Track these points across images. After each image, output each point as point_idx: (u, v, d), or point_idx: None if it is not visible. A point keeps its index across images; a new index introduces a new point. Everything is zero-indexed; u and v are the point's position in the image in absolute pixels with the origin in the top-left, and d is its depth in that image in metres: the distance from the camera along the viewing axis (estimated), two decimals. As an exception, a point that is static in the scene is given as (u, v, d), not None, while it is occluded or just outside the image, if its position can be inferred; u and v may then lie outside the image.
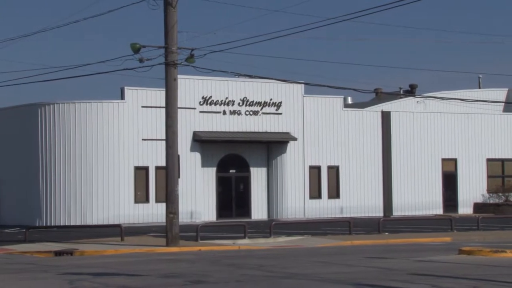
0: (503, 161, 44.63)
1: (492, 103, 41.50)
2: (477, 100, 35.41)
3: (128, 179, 36.82)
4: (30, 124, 37.09)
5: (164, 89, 23.56)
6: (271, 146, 39.88)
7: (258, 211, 39.55)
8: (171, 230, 23.06)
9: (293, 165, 39.73)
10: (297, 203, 39.71)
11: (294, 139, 39.61)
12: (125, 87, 37.03)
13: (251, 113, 39.04)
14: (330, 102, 40.75)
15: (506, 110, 47.12)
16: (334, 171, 40.79)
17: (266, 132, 39.26)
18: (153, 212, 36.67)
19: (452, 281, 13.99)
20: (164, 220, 24.07)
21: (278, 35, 24.49)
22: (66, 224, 35.60)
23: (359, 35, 78.00)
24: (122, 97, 37.06)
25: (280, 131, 39.57)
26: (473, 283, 13.70)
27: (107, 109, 36.74)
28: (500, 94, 48.54)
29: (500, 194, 43.25)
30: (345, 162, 40.92)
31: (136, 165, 37.00)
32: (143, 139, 37.04)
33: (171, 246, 22.91)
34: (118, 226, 27.07)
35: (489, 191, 43.53)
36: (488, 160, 44.16)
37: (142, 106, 37.06)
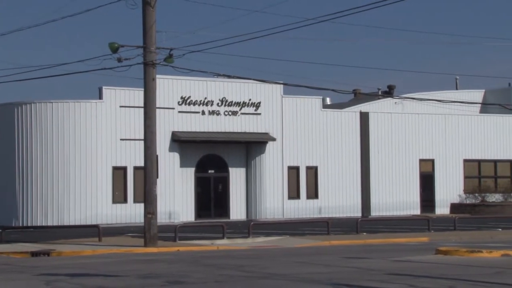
0: (479, 162, 45.03)
1: (469, 105, 41.85)
2: (454, 102, 35.69)
3: (106, 179, 36.65)
4: (6, 123, 36.78)
5: (143, 89, 23.47)
6: (250, 147, 39.91)
7: (237, 211, 39.56)
8: (149, 231, 22.98)
9: (272, 165, 39.79)
10: (275, 203, 39.77)
11: (273, 139, 39.66)
12: (103, 87, 36.86)
13: (230, 113, 39.04)
14: (308, 102, 40.86)
15: (482, 111, 47.54)
16: (312, 171, 40.91)
17: (245, 133, 39.28)
18: (131, 212, 36.53)
19: (429, 281, 14.09)
20: (142, 220, 23.98)
21: (257, 35, 24.52)
22: (43, 224, 35.34)
23: (338, 36, 78.30)
24: (100, 97, 36.88)
25: (259, 131, 39.61)
26: (450, 283, 13.81)
27: (84, 109, 36.54)
28: (477, 95, 48.99)
29: (476, 194, 43.62)
30: (323, 162, 41.06)
31: (114, 165, 36.84)
32: (121, 139, 36.88)
33: (149, 246, 22.83)
34: (95, 226, 26.92)
35: (465, 191, 43.90)
36: (465, 160, 44.54)
37: (121, 106, 36.91)
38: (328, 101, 47.43)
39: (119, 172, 36.95)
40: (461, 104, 37.29)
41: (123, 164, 36.95)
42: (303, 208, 40.38)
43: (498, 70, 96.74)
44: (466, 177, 44.42)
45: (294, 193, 40.45)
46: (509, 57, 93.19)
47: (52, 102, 36.57)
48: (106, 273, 15.86)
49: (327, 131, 41.21)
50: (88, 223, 35.01)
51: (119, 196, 36.92)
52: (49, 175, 36.12)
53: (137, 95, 35.43)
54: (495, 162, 45.37)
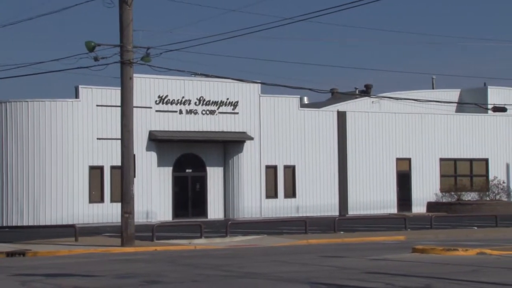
0: (455, 160, 45.37)
1: (445, 104, 42.14)
2: (430, 101, 35.92)
3: (83, 178, 36.42)
4: (-18, 122, 36.38)
5: (120, 88, 23.35)
6: (228, 146, 39.88)
7: (215, 210, 39.51)
8: (126, 230, 22.87)
9: (250, 164, 39.79)
10: (253, 202, 39.78)
11: (251, 138, 39.67)
12: (80, 86, 36.62)
13: (207, 112, 38.97)
14: (286, 101, 40.92)
15: (458, 110, 47.92)
16: (290, 170, 40.97)
17: (222, 132, 39.24)
18: (108, 212, 36.34)
19: (406, 279, 14.17)
20: (119, 220, 23.86)
21: (234, 34, 24.50)
22: (19, 224, 35.03)
23: (315, 35, 78.48)
24: (77, 96, 36.65)
25: (237, 130, 39.58)
26: (426, 281, 13.90)
27: (61, 108, 36.29)
28: (453, 95, 49.35)
29: (452, 193, 43.96)
30: (301, 161, 41.14)
31: (91, 164, 36.62)
32: (98, 138, 36.67)
33: (126, 246, 22.72)
34: (72, 226, 26.74)
35: (442, 190, 44.21)
36: (441, 159, 44.86)
37: (97, 105, 36.70)
38: (305, 100, 47.53)
39: (95, 172, 36.75)
40: (438, 103, 37.55)
41: (100, 164, 36.75)
42: (281, 207, 40.42)
43: (473, 70, 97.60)
44: (442, 176, 44.75)
45: (272, 192, 40.48)
46: (485, 57, 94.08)
47: (27, 101, 36.26)
48: (82, 273, 15.76)
49: (304, 130, 41.30)
50: (65, 223, 34.76)
51: (95, 196, 36.71)
52: (24, 174, 35.82)
53: (114, 94, 35.24)
54: (471, 161, 45.75)
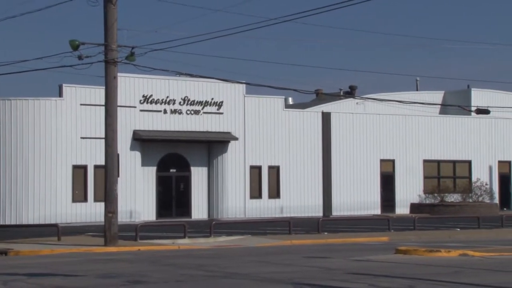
0: (439, 162, 45.58)
1: (429, 106, 42.35)
2: (414, 102, 36.06)
3: (66, 177, 36.24)
4: (-36, 121, 36.10)
5: (104, 87, 23.26)
6: (212, 146, 39.83)
7: (199, 210, 39.44)
8: (109, 230, 22.78)
9: (234, 164, 39.76)
10: (237, 202, 39.75)
11: (235, 138, 39.64)
12: (64, 85, 36.43)
13: (192, 112, 38.91)
14: (271, 102, 40.94)
15: (442, 112, 48.15)
16: (274, 171, 40.99)
17: (207, 132, 39.18)
18: (92, 211, 36.17)
19: (389, 280, 14.22)
20: (102, 219, 23.76)
21: (219, 34, 24.48)
22: (1, 223, 34.78)
23: (300, 36, 78.63)
24: (60, 95, 36.46)
25: (221, 130, 39.55)
26: (409, 282, 13.96)
27: (44, 106, 36.08)
28: (437, 96, 49.59)
29: (435, 194, 44.16)
30: (285, 162, 41.17)
31: (75, 163, 36.45)
32: (81, 138, 36.51)
33: (110, 246, 22.64)
34: (55, 225, 26.60)
35: (425, 191, 44.40)
36: (425, 161, 45.05)
37: (81, 104, 36.53)
38: (290, 101, 47.58)
39: (79, 171, 36.57)
40: (421, 105, 37.72)
41: (83, 163, 36.58)
42: (265, 208, 40.43)
43: (457, 72, 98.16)
44: (425, 177, 44.94)
45: (256, 193, 40.48)
46: (468, 59, 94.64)
47: (11, 100, 36.02)
48: (65, 272, 15.68)
49: (289, 131, 41.33)
50: (47, 222, 34.55)
51: (79, 195, 36.53)
52: (7, 173, 35.56)
53: (98, 93, 35.09)
54: (454, 162, 45.99)
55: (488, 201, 44.78)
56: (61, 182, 36.11)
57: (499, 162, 46.93)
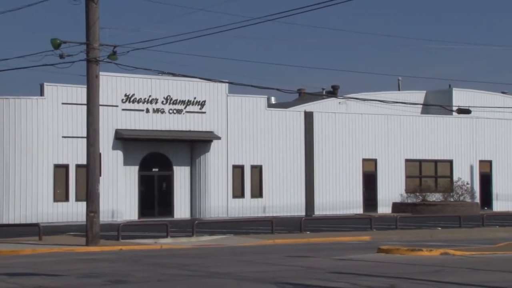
0: (420, 161, 45.81)
1: (411, 105, 42.54)
2: (396, 102, 36.22)
3: (47, 177, 36.03)
4: None
5: (86, 86, 23.13)
6: (195, 145, 39.76)
7: (181, 210, 39.37)
8: (91, 229, 22.67)
9: (217, 164, 39.72)
10: (220, 202, 39.72)
11: (218, 138, 39.60)
12: (45, 83, 36.21)
13: (174, 111, 38.82)
14: (254, 101, 40.94)
15: (423, 112, 48.40)
16: (257, 170, 41.00)
17: (189, 131, 39.10)
18: (73, 210, 35.99)
19: (371, 279, 14.27)
20: (84, 219, 23.65)
21: (202, 33, 24.44)
22: (-18, 223, 34.50)
23: (283, 35, 78.69)
24: (42, 94, 36.24)
25: (204, 130, 39.49)
26: (391, 281, 14.01)
27: (25, 105, 35.84)
28: (418, 96, 49.84)
29: (417, 194, 44.38)
30: (268, 161, 41.19)
31: (56, 163, 36.24)
32: (63, 137, 36.30)
33: (91, 245, 22.53)
34: (36, 225, 26.42)
35: (407, 191, 44.60)
36: (407, 160, 45.25)
37: (63, 103, 36.32)
38: (273, 100, 47.60)
39: (60, 170, 36.36)
40: (403, 104, 37.89)
41: (65, 162, 36.38)
42: (247, 207, 40.42)
43: (439, 72, 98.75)
44: (407, 177, 45.14)
45: (238, 192, 40.47)
46: (450, 59, 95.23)
47: (-9, 98, 35.73)
48: (46, 272, 15.59)
49: (272, 130, 41.36)
50: (29, 221, 34.33)
51: (60, 194, 36.33)
52: (-12, 172, 35.27)
53: (79, 92, 34.92)
54: (435, 162, 46.24)
55: (469, 201, 45.08)
56: (43, 182, 35.89)
57: (480, 161, 47.26)
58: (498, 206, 47.08)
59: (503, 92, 52.18)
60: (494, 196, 47.37)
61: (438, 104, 41.23)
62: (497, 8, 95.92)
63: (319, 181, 42.37)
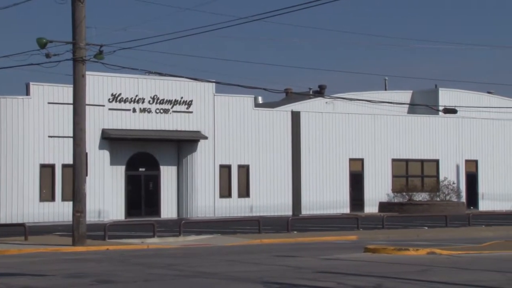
0: (407, 161, 45.97)
1: (397, 105, 42.68)
2: (383, 102, 36.34)
3: (33, 177, 35.86)
4: None
5: (72, 86, 23.04)
6: (182, 145, 39.71)
7: (168, 209, 39.30)
8: (77, 229, 22.59)
9: (204, 163, 39.68)
10: (207, 201, 39.68)
11: (205, 137, 39.57)
12: (31, 83, 36.04)
13: (161, 111, 38.75)
14: (241, 101, 40.94)
15: (410, 112, 48.57)
16: (244, 170, 40.99)
17: (176, 131, 39.04)
18: (59, 210, 35.85)
19: (357, 278, 14.30)
20: (70, 219, 23.56)
21: (189, 33, 24.40)
22: (-33, 223, 34.29)
23: (270, 35, 78.74)
24: (28, 93, 36.06)
25: (191, 129, 39.44)
26: (377, 280, 14.05)
27: (11, 104, 35.65)
28: (405, 96, 50.00)
29: (404, 193, 44.54)
30: (255, 161, 41.19)
31: (42, 162, 36.07)
32: (49, 136, 36.15)
33: (78, 245, 22.45)
34: (22, 225, 26.28)
35: (394, 190, 44.75)
36: (393, 160, 45.39)
37: (49, 103, 36.16)
38: (260, 100, 47.60)
39: (47, 170, 36.20)
40: (390, 104, 38.01)
41: (51, 162, 36.22)
42: (234, 207, 40.41)
43: (425, 72, 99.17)
44: (394, 176, 45.28)
45: (225, 192, 40.44)
46: (436, 59, 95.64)
47: (-23, 98, 35.53)
48: (32, 272, 15.52)
49: (259, 130, 41.37)
50: (14, 221, 34.16)
51: (46, 194, 36.17)
52: (-27, 172, 35.07)
53: (66, 92, 34.78)
54: (422, 161, 46.42)
55: (455, 200, 45.30)
56: (28, 181, 35.72)
57: (466, 161, 47.50)
58: (484, 205, 47.34)
59: (489, 92, 52.46)
60: (480, 196, 47.63)
61: (424, 104, 41.42)
62: (484, 8, 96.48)
63: (306, 180, 42.43)
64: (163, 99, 38.76)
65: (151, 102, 38.47)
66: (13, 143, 35.54)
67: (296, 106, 43.97)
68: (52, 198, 36.24)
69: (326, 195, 42.91)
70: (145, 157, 39.12)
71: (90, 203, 32.48)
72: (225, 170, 40.43)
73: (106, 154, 37.51)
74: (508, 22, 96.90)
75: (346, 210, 43.18)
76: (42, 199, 36.04)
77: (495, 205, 47.32)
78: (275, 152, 41.72)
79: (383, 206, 43.91)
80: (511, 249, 20.71)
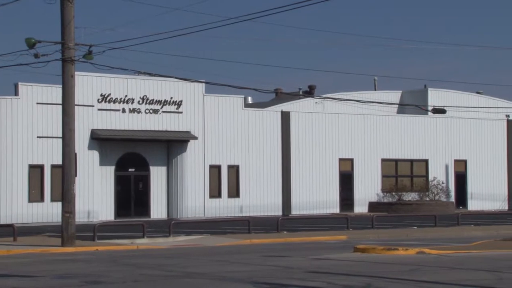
0: (396, 161, 46.07)
1: (387, 105, 42.80)
2: (372, 102, 36.42)
3: (22, 177, 35.71)
4: None
5: (61, 86, 22.97)
6: (171, 145, 39.65)
7: (158, 210, 39.23)
8: (67, 230, 22.52)
9: (194, 164, 39.64)
10: (197, 202, 39.64)
11: (195, 138, 39.53)
12: (19, 83, 35.89)
13: (151, 111, 38.68)
14: (230, 101, 40.92)
15: (399, 112, 48.70)
16: (234, 170, 40.98)
17: (166, 131, 38.98)
18: (49, 211, 35.71)
19: (347, 278, 14.33)
20: (60, 219, 23.48)
21: (178, 33, 24.38)
22: (-45, 224, 34.10)
23: (260, 35, 78.79)
24: (16, 93, 35.91)
25: (181, 130, 39.39)
26: (367, 280, 14.08)
27: None
28: (394, 96, 50.13)
29: (393, 193, 44.65)
30: (245, 161, 41.19)
31: (31, 163, 35.93)
32: (38, 137, 36.01)
33: (67, 246, 22.38)
34: (10, 226, 26.17)
35: (383, 190, 44.85)
36: (383, 160, 45.49)
37: (38, 103, 36.02)
38: (249, 100, 47.59)
39: (35, 170, 36.06)
40: (379, 104, 38.11)
41: (40, 162, 36.08)
42: (224, 207, 40.39)
43: (414, 72, 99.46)
44: (383, 176, 45.38)
45: (215, 192, 40.42)
46: (425, 59, 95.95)
47: (-35, 98, 35.35)
48: (21, 273, 15.45)
49: (248, 130, 41.36)
50: (3, 222, 34.00)
51: (35, 195, 36.03)
52: (-39, 173, 34.89)
53: (55, 92, 34.64)
54: (411, 161, 46.54)
55: (445, 200, 45.45)
56: (17, 182, 35.57)
57: (455, 161, 47.66)
58: (473, 205, 47.52)
59: (477, 92, 52.68)
60: (469, 195, 47.80)
61: (413, 104, 41.54)
62: (472, 8, 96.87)
63: (296, 180, 42.46)
64: (153, 100, 38.69)
65: (140, 102, 38.39)
66: (2, 144, 35.37)
67: (286, 106, 44.00)
68: (41, 199, 36.11)
69: (316, 195, 42.95)
70: (134, 157, 39.03)
71: (80, 204, 32.39)
72: (215, 170, 40.41)
73: (95, 154, 37.41)
74: (497, 23, 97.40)
75: (336, 210, 43.24)
76: (31, 199, 35.91)
77: (484, 204, 47.52)
78: (265, 152, 41.74)
79: (372, 206, 44.01)
80: (500, 249, 20.82)
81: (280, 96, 48.83)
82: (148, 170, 39.27)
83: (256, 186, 41.38)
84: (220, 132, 40.47)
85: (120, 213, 38.19)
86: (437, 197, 45.28)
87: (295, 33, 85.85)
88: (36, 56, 22.21)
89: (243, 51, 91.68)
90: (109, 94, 37.64)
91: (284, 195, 42.11)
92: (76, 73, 23.49)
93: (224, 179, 40.64)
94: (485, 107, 47.72)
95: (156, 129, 38.72)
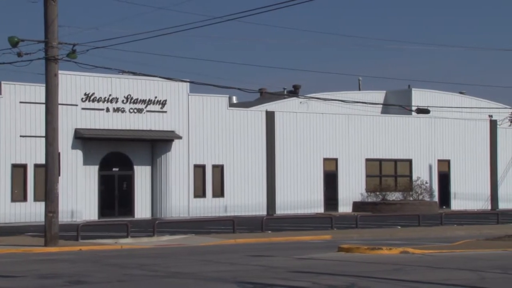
0: (380, 161, 46.22)
1: (371, 105, 42.92)
2: (357, 102, 36.51)
3: (5, 177, 35.47)
4: None
5: (44, 85, 22.84)
6: (156, 145, 39.54)
7: (142, 210, 39.11)
8: (50, 230, 22.40)
9: (178, 163, 39.55)
10: (181, 201, 39.56)
11: (179, 137, 39.44)
12: (2, 82, 35.64)
13: (135, 110, 38.55)
14: (215, 101, 40.87)
15: (383, 112, 48.86)
16: (218, 170, 40.94)
17: (150, 130, 38.86)
18: (31, 211, 35.49)
19: (331, 277, 14.35)
20: (43, 219, 23.34)
21: (162, 32, 24.31)
22: None
23: (244, 35, 78.77)
24: (-1, 92, 35.65)
25: (165, 129, 39.28)
26: (351, 279, 14.11)
27: (-17, 104, 35.23)
28: (378, 96, 50.30)
29: (377, 193, 44.79)
30: (229, 161, 41.16)
31: (14, 162, 35.70)
32: (21, 136, 35.77)
33: (50, 246, 22.26)
34: (-7, 226, 25.97)
35: (367, 190, 44.99)
36: (367, 160, 45.62)
37: (21, 102, 35.79)
38: (234, 100, 47.56)
39: (18, 170, 35.83)
40: (364, 104, 38.20)
41: (23, 162, 35.85)
42: (209, 207, 40.34)
43: (398, 72, 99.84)
44: (368, 176, 45.51)
45: (200, 192, 40.35)
46: (409, 60, 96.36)
47: None
48: (3, 273, 15.34)
49: (233, 130, 41.33)
50: (-14, 222, 33.74)
51: (18, 195, 35.80)
52: None
53: (38, 91, 34.44)
54: (395, 161, 46.71)
55: (428, 200, 45.67)
56: (0, 182, 35.31)
57: (439, 161, 47.90)
58: (456, 205, 47.78)
59: (461, 93, 52.98)
60: (452, 195, 48.07)
61: (397, 104, 41.68)
62: (456, 8, 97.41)
63: (280, 180, 42.48)
64: (137, 99, 38.56)
65: (124, 101, 38.25)
66: (-15, 143, 35.09)
67: (270, 106, 44.02)
68: (24, 198, 35.88)
69: (301, 195, 43.00)
70: (118, 157, 38.88)
71: (63, 203, 32.23)
72: (200, 170, 40.34)
73: (79, 154, 37.23)
74: (480, 23, 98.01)
75: (320, 209, 43.31)
76: (13, 199, 35.66)
77: (467, 204, 47.80)
78: (249, 152, 41.73)
79: (357, 206, 44.12)
80: (482, 248, 20.95)
81: (265, 96, 48.83)
82: (132, 169, 39.13)
83: (241, 185, 41.37)
84: (205, 132, 40.41)
85: (104, 213, 38.03)
86: (420, 197, 45.48)
87: (280, 33, 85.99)
88: (19, 54, 22.09)
89: (228, 50, 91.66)
90: (93, 93, 37.47)
91: (268, 195, 42.13)
92: (60, 72, 23.37)
93: (209, 179, 40.59)
94: (468, 107, 47.99)
95: (140, 128, 38.60)
